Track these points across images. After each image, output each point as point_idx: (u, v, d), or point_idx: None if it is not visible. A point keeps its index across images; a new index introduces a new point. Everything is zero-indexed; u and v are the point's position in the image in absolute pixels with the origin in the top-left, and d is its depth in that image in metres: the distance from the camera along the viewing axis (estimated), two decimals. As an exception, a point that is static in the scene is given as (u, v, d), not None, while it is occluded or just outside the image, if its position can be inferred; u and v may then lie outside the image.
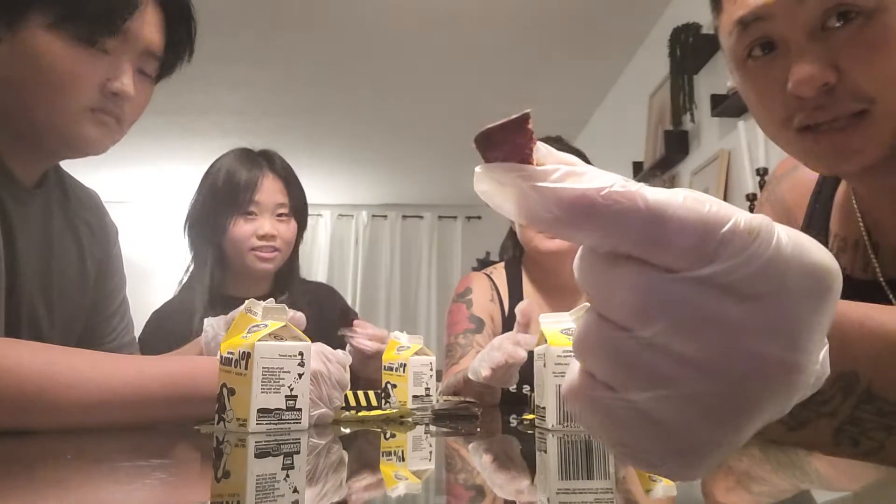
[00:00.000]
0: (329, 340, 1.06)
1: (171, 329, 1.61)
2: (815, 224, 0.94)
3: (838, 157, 0.78)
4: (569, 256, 1.76)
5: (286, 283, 1.78)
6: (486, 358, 1.34)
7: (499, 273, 1.89)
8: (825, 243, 0.80)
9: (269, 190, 1.69)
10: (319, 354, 0.90)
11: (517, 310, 1.35)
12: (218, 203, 1.67)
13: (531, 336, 1.33)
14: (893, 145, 0.76)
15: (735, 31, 0.81)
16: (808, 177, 0.97)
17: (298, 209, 1.75)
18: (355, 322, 1.48)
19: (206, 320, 1.11)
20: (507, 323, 1.80)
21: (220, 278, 1.71)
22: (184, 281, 1.75)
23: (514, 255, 1.94)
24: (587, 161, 1.75)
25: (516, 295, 1.83)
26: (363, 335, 1.45)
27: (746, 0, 0.79)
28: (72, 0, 0.91)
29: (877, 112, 0.74)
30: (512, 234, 1.94)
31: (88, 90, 0.94)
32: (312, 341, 0.86)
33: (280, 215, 1.71)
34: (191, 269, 1.75)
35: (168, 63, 1.05)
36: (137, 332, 1.39)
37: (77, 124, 0.96)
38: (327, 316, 1.65)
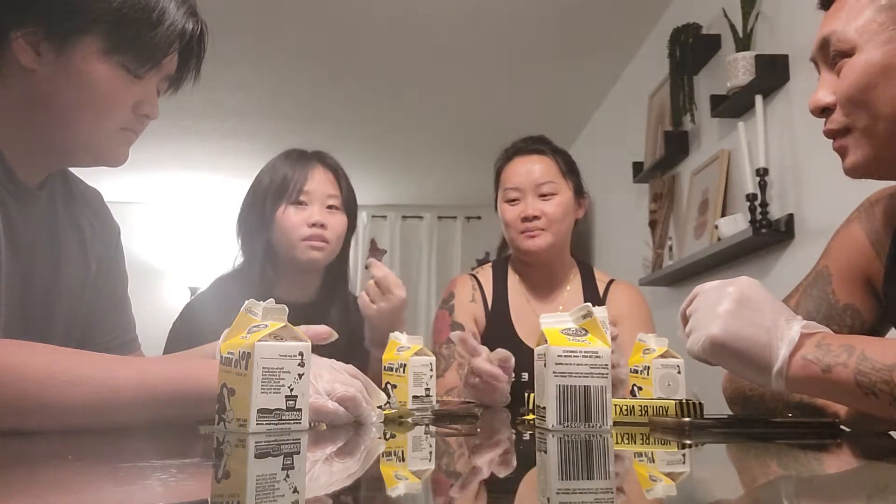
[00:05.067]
0: (354, 357, 1.07)
1: (207, 326, 1.57)
2: None
3: (843, 161, 0.97)
4: (549, 253, 1.86)
5: (335, 285, 1.76)
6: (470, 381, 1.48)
7: (485, 272, 1.96)
8: None
9: (320, 181, 1.69)
10: (336, 372, 0.94)
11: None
12: (267, 196, 1.67)
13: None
14: (884, 159, 0.93)
15: None
16: None
17: (349, 203, 1.74)
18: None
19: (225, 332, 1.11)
20: (491, 318, 1.88)
21: (270, 278, 1.67)
22: (224, 277, 1.72)
23: (507, 254, 2.01)
24: (572, 162, 1.83)
25: (501, 291, 1.91)
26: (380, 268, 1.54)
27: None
28: (126, 33, 0.98)
29: (858, 128, 0.93)
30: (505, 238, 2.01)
31: (124, 112, 1.02)
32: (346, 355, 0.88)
33: (330, 206, 1.69)
34: (237, 267, 1.73)
35: (175, 81, 1.11)
36: (148, 342, 1.37)
37: (110, 142, 1.04)
38: (358, 334, 1.63)
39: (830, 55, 0.95)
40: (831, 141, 0.98)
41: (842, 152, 0.97)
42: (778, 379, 0.82)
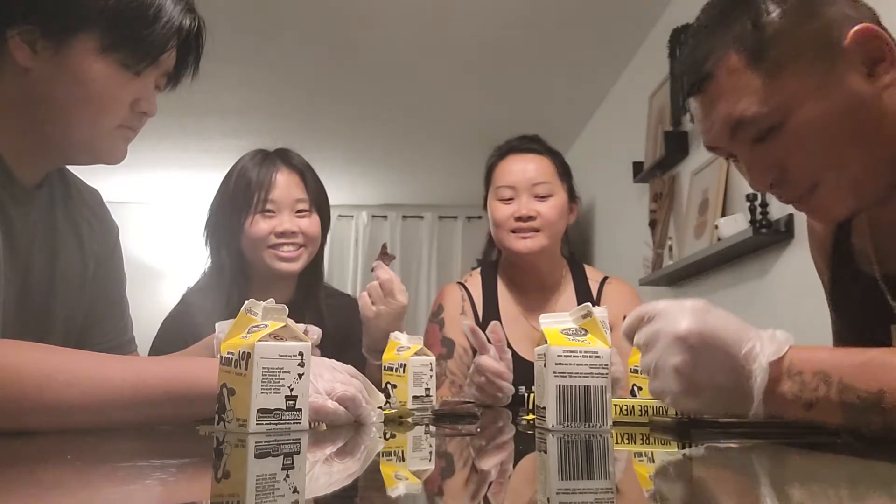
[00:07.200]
0: (347, 357, 1.06)
1: (188, 339, 1.54)
2: (841, 245, 1.10)
3: (816, 218, 1.01)
4: (541, 256, 1.79)
5: (310, 288, 1.73)
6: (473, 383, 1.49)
7: (474, 280, 1.89)
8: (852, 255, 1.07)
9: (286, 185, 1.65)
10: (335, 371, 0.94)
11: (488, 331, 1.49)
12: (233, 203, 1.64)
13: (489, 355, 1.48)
14: (862, 196, 0.93)
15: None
16: None
17: (319, 203, 1.70)
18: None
19: (217, 324, 1.09)
20: (483, 327, 1.82)
21: (243, 284, 1.65)
22: (195, 286, 1.69)
23: (494, 258, 1.95)
24: (566, 164, 1.74)
25: (491, 297, 1.85)
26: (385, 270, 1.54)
27: (704, 136, 0.99)
28: (123, 30, 0.97)
29: (828, 183, 0.91)
30: (491, 238, 1.93)
31: (122, 110, 1.02)
32: (331, 356, 0.90)
33: (300, 211, 1.66)
34: (207, 274, 1.70)
35: (174, 77, 1.11)
36: (147, 343, 1.36)
37: (108, 140, 1.03)
38: (350, 333, 1.62)
39: (752, 133, 0.92)
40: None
41: (817, 210, 0.95)
42: (755, 416, 0.80)
